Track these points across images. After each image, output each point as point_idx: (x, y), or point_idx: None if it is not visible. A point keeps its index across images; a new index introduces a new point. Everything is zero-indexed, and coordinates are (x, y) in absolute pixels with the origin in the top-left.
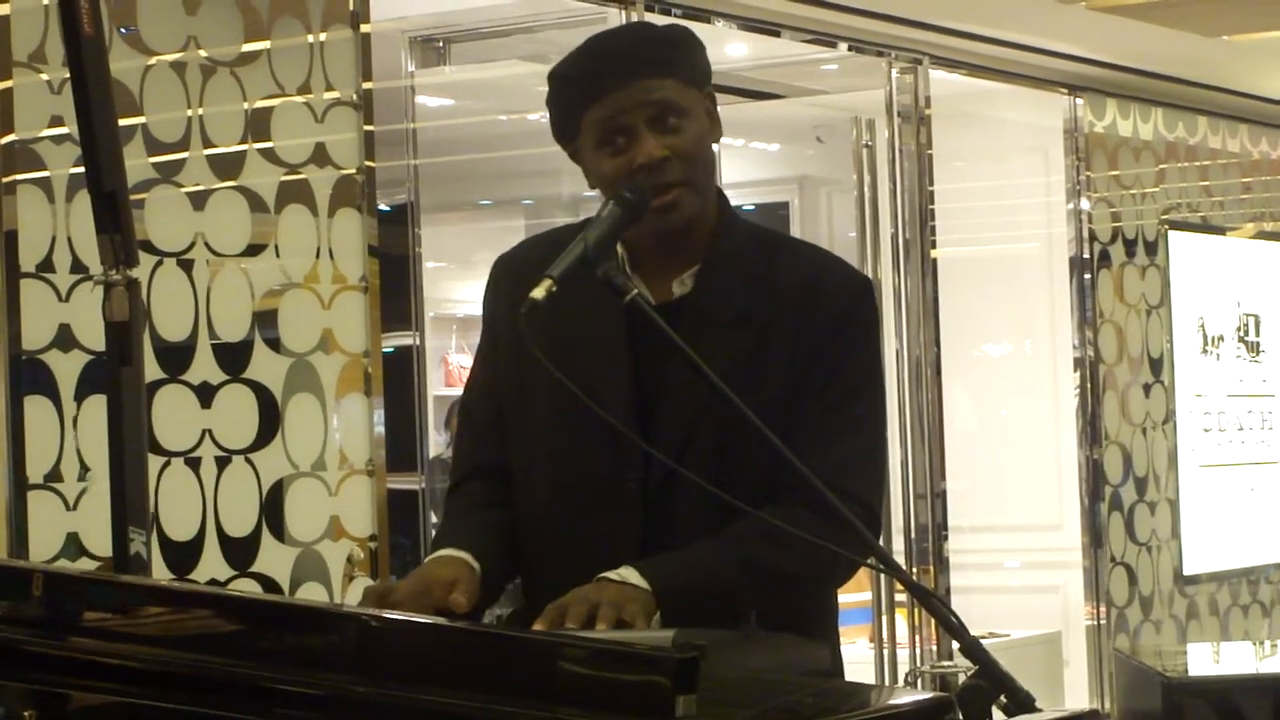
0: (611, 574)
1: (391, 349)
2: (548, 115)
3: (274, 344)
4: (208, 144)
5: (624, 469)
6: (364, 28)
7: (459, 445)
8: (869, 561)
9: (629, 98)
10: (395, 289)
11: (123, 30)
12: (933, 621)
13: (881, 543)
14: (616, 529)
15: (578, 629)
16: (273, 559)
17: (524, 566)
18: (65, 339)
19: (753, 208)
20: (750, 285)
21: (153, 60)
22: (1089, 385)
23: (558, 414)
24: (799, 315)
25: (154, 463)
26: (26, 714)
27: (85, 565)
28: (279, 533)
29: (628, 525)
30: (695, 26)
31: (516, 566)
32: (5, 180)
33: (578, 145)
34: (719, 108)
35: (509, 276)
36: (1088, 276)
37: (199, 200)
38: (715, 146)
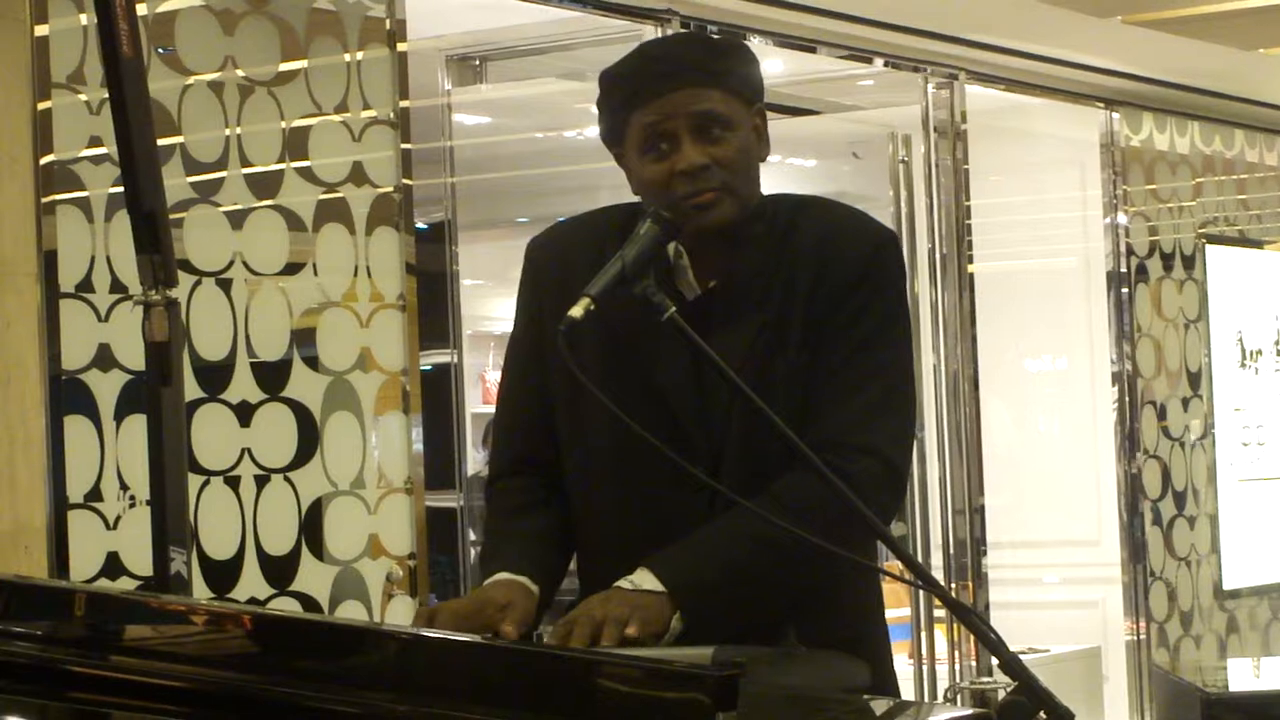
0: (625, 582)
1: (429, 367)
2: (598, 118)
3: (312, 362)
4: (246, 163)
5: (687, 455)
6: (401, 46)
7: (499, 435)
8: (907, 578)
9: (675, 104)
10: (433, 307)
11: (161, 50)
12: (972, 637)
13: (919, 555)
14: (679, 516)
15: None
16: (312, 577)
17: (582, 556)
18: (105, 359)
19: None
20: (773, 261)
21: (191, 80)
22: (1127, 399)
23: (617, 403)
24: (814, 275)
25: (194, 482)
26: None
27: (126, 585)
28: (318, 551)
29: (690, 512)
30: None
31: (568, 560)
32: (45, 200)
33: (624, 150)
34: None
35: (553, 260)
36: (1125, 290)
37: (237, 220)
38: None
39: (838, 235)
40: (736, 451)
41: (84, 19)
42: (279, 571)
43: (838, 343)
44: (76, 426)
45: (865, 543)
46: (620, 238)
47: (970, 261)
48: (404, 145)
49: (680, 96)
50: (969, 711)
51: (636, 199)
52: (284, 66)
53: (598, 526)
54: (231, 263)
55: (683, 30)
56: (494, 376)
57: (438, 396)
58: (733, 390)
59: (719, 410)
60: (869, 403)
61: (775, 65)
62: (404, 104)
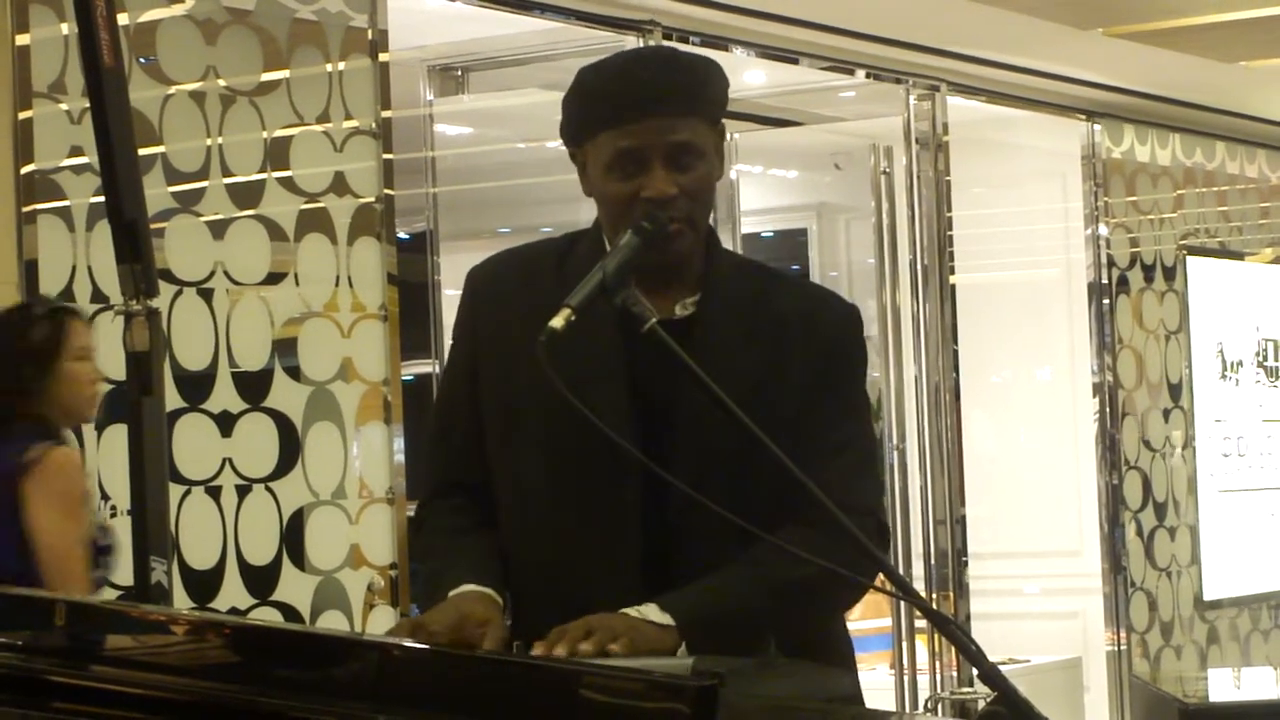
0: (632, 610)
1: (411, 377)
2: (564, 111)
3: (294, 372)
4: (227, 173)
5: (625, 486)
6: (382, 57)
7: (434, 456)
8: (888, 589)
9: (651, 132)
10: (414, 317)
11: (142, 60)
12: (953, 648)
13: (900, 566)
14: (617, 549)
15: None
16: (293, 587)
17: (516, 586)
18: None
19: (771, 234)
20: (750, 309)
21: (172, 90)
22: (1108, 411)
23: (553, 433)
24: (801, 343)
25: (175, 492)
26: None
27: (107, 595)
28: (299, 561)
29: (628, 554)
30: (714, 55)
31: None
32: (26, 210)
33: (584, 152)
34: (736, 135)
35: (487, 292)
36: (1106, 302)
37: (219, 229)
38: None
39: (818, 309)
40: (720, 490)
41: (65, 29)
42: (260, 581)
43: (822, 409)
44: None
45: (854, 593)
46: (556, 266)
47: (952, 273)
48: (386, 155)
49: (658, 123)
50: None
51: (578, 228)
52: (265, 76)
53: (531, 555)
54: (213, 273)
55: (664, 45)
56: None
57: (419, 406)
58: (713, 434)
59: (689, 442)
60: (853, 464)
61: (757, 76)
62: (386, 114)
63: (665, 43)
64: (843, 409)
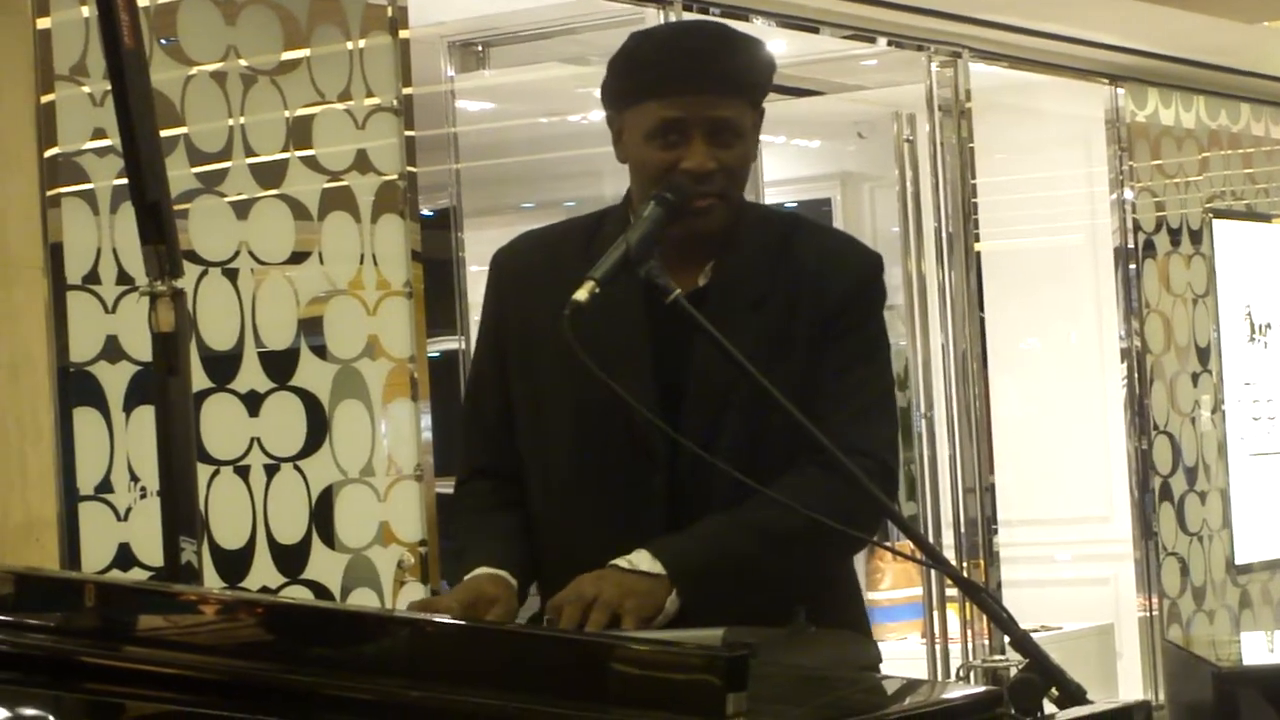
0: (622, 560)
1: (437, 354)
2: (609, 76)
3: (320, 351)
4: (250, 153)
5: (649, 466)
6: (403, 33)
7: (467, 441)
8: (918, 558)
9: (696, 106)
10: (439, 294)
11: (163, 41)
12: (984, 616)
13: (930, 534)
14: (640, 528)
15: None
16: (323, 566)
17: (542, 566)
18: (112, 350)
19: (795, 205)
20: (767, 270)
21: (193, 70)
22: (1136, 376)
23: (577, 413)
24: (816, 292)
25: (203, 472)
26: None
27: (137, 576)
28: (329, 539)
29: (652, 524)
30: (735, 25)
31: (537, 566)
32: (50, 193)
33: (623, 118)
34: None
35: (513, 273)
36: (1133, 267)
37: (242, 209)
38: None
39: (837, 257)
40: (733, 453)
41: (86, 11)
42: (290, 560)
43: (834, 356)
44: (85, 418)
45: (865, 533)
46: (584, 246)
47: (977, 240)
48: (408, 132)
49: (704, 99)
50: (981, 689)
51: (605, 206)
52: (286, 55)
53: (556, 535)
54: (237, 252)
55: (716, 21)
56: None
57: (445, 383)
58: (725, 398)
59: (702, 407)
60: (861, 409)
61: (778, 46)
62: (407, 91)
63: (685, 15)
64: (852, 355)
